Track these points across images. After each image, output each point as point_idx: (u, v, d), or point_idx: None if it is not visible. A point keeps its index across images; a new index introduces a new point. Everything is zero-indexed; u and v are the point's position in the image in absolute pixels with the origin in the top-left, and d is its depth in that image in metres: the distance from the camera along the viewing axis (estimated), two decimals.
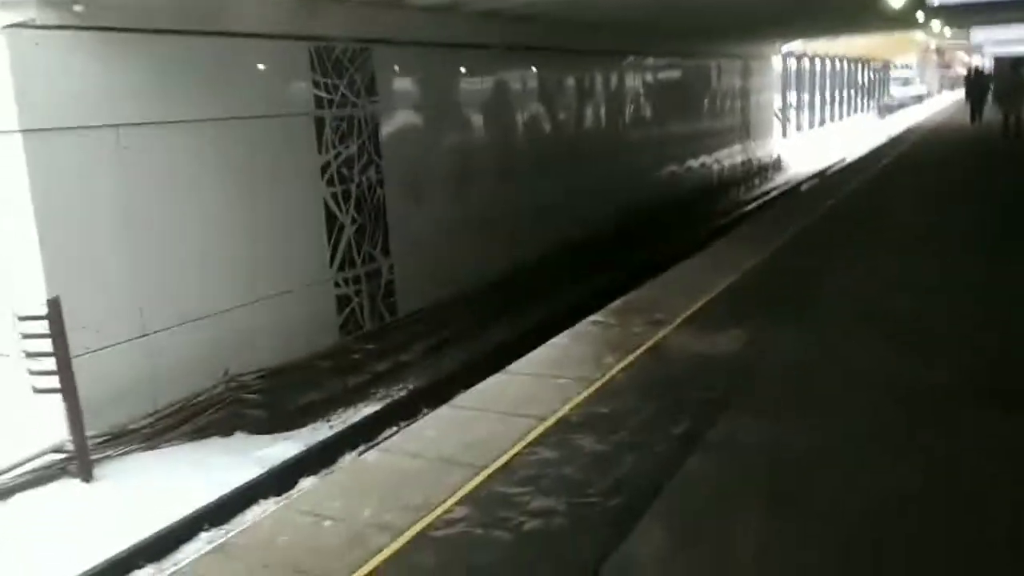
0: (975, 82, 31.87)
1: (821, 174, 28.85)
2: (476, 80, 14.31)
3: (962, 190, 14.29)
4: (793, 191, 25.43)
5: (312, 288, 10.91)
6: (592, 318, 7.43)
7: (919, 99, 61.85)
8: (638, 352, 6.23)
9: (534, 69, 16.11)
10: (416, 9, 12.38)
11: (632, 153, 20.11)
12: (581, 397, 5.37)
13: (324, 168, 11.06)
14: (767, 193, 25.18)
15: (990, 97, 27.61)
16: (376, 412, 9.28)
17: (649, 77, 21.19)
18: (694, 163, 24.32)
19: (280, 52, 10.41)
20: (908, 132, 30.15)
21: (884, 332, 6.44)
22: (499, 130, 14.93)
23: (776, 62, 31.21)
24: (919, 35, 31.07)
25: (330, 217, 11.18)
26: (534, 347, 9.95)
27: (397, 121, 12.40)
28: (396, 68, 12.37)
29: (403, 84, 12.60)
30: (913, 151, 22.83)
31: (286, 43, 10.44)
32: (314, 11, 10.71)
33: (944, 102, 52.69)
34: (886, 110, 54.43)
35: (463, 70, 13.93)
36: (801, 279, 8.43)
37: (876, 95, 54.15)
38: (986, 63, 38.29)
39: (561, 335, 7.01)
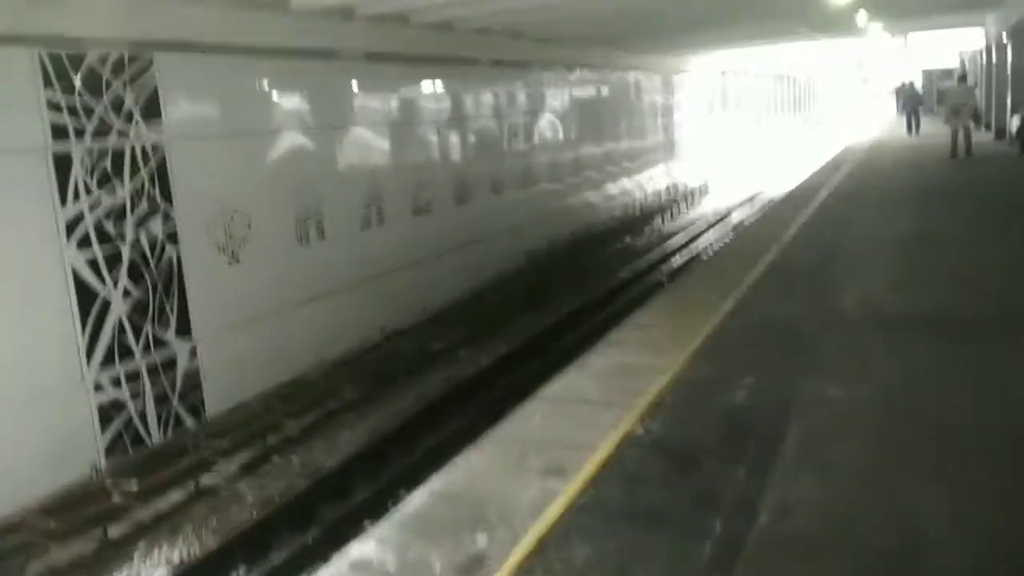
0: (910, 95, 30.03)
1: (752, 201, 26.43)
2: (325, 98, 11.12)
3: (930, 241, 11.46)
4: (721, 223, 22.83)
5: (51, 399, 7.54)
6: (359, 553, 4.11)
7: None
8: None
9: (412, 83, 13.01)
10: (230, 4, 9.19)
11: (542, 180, 17.16)
12: None
13: (72, 224, 7.74)
14: (692, 223, 22.52)
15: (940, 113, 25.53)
16: None
17: (562, 92, 18.29)
18: (613, 189, 21.53)
19: None
20: (846, 151, 27.92)
21: None
22: (362, 161, 11.76)
23: (701, 76, 28.76)
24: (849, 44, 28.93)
25: (84, 292, 7.85)
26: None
27: (200, 154, 9.13)
28: (197, 82, 9.13)
29: (210, 104, 9.35)
30: (856, 173, 20.37)
31: None
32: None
33: (872, 116, 51.38)
34: (815, 124, 52.98)
35: (306, 85, 10.72)
36: (743, 429, 5.29)
37: (804, 110, 52.59)
38: (915, 77, 36.62)
39: None
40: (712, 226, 22.03)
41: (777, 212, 15.79)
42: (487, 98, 15.10)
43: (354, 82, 11.63)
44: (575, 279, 15.34)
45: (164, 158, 8.65)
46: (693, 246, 19.38)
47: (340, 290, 11.08)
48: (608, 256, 17.87)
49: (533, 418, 5.57)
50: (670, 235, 21.00)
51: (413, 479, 5.93)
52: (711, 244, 19.34)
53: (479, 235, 14.47)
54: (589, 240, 18.44)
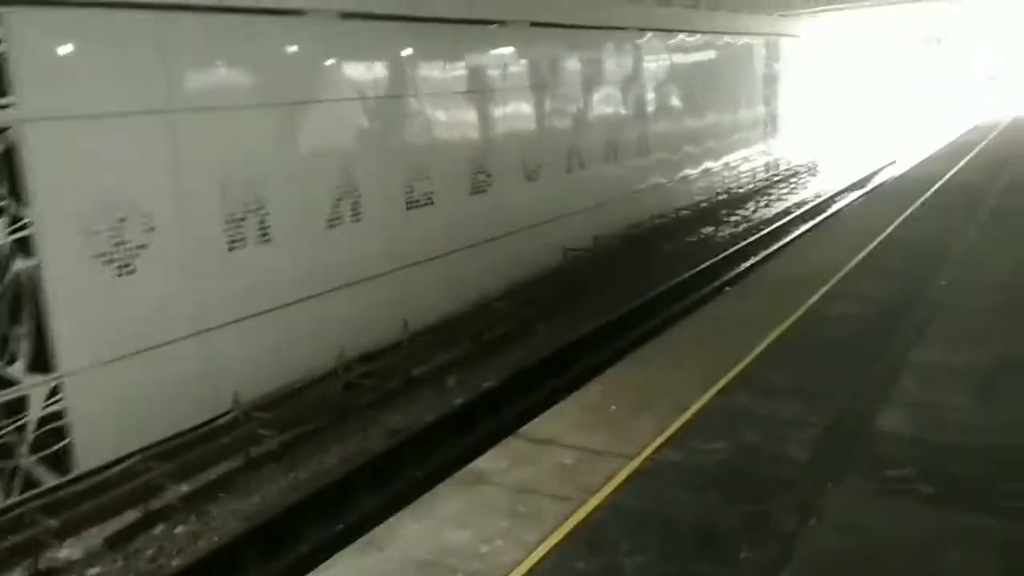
0: None
1: (863, 183, 22.86)
2: (272, 66, 8.95)
3: None
4: (818, 211, 19.55)
5: None
6: None
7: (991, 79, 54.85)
8: None
9: (397, 47, 10.69)
10: None
11: (593, 163, 14.57)
12: None
13: None
14: (787, 212, 19.34)
15: None
16: None
17: (625, 60, 15.54)
18: (692, 171, 18.64)
19: None
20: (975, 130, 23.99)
21: None
22: (328, 141, 9.57)
23: (816, 39, 25.15)
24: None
25: None
26: None
27: (72, 138, 7.10)
28: (68, 47, 7.08)
29: (89, 74, 7.26)
30: (985, 157, 16.87)
31: None
32: None
33: None
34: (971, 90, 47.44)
35: (234, 50, 8.57)
36: None
37: (955, 75, 47.04)
38: None
39: None
40: (805, 215, 18.84)
41: (867, 210, 12.81)
42: (518, 67, 12.57)
43: (318, 44, 9.39)
44: (607, 288, 12.72)
45: (13, 145, 6.68)
46: (774, 242, 16.40)
47: (285, 305, 8.98)
48: (669, 254, 15.13)
49: None
50: (755, 227, 17.98)
51: None
52: (794, 238, 16.33)
53: (500, 231, 12.12)
54: (651, 233, 15.74)
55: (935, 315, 7.99)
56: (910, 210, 12.80)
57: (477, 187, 11.81)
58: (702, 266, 13.97)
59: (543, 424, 5.83)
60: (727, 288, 12.38)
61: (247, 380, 8.42)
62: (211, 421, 8.08)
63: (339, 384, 9.03)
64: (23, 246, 6.81)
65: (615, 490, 4.82)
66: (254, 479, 7.74)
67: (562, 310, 11.68)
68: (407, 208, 10.64)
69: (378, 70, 10.10)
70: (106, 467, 7.34)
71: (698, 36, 18.24)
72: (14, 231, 6.74)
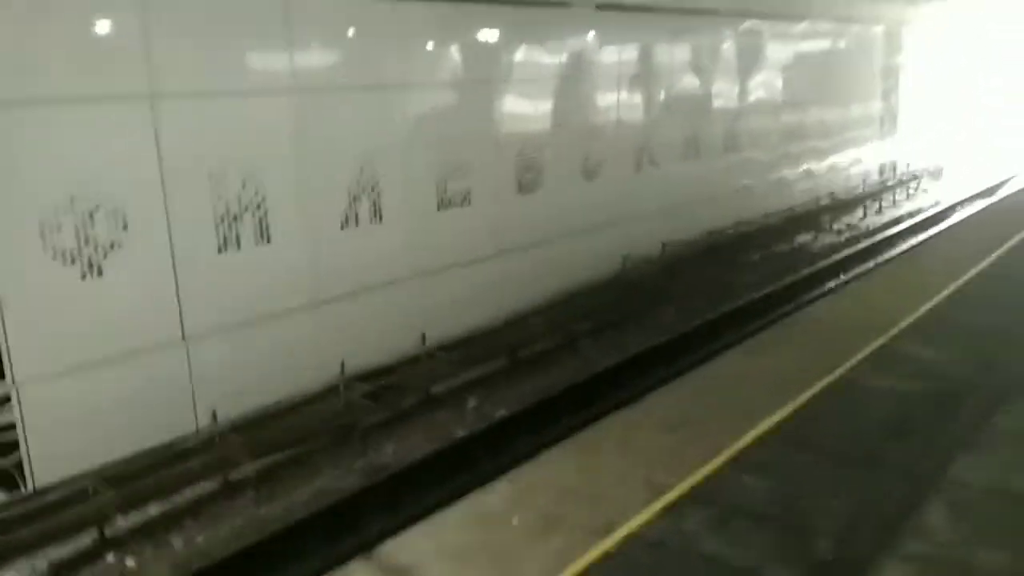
0: None
1: (990, 193, 20.52)
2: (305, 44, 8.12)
3: None
4: (934, 222, 17.55)
5: None
6: None
7: None
8: None
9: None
10: None
11: (671, 162, 13.25)
12: None
13: None
14: (895, 221, 17.39)
15: None
16: None
17: (721, 47, 14.13)
18: (790, 172, 16.93)
19: None
20: None
21: None
22: (346, 130, 8.70)
23: (949, 24, 22.73)
24: None
25: None
26: None
27: (33, 123, 6.45)
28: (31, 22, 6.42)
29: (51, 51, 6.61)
30: None
31: None
32: None
33: None
34: None
35: (201, 21, 7.77)
36: None
37: None
38: None
39: None
40: (916, 227, 16.92)
41: (982, 225, 11.00)
42: (581, 53, 11.37)
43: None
44: (664, 303, 11.45)
45: None
46: (875, 256, 14.69)
47: (287, 313, 8.19)
48: (751, 264, 13.68)
49: None
50: (856, 237, 16.23)
51: None
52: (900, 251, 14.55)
53: (546, 234, 11.02)
54: (735, 240, 14.25)
55: (1010, 403, 6.04)
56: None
57: (524, 186, 10.73)
58: (789, 279, 12.53)
59: (411, 541, 4.56)
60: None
61: (229, 394, 7.66)
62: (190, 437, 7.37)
63: (341, 403, 8.19)
64: None
65: None
66: (228, 507, 7.02)
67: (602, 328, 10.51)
68: (439, 209, 9.68)
69: (405, 56, 9.16)
70: (61, 485, 6.72)
71: (805, 23, 16.50)
72: None
